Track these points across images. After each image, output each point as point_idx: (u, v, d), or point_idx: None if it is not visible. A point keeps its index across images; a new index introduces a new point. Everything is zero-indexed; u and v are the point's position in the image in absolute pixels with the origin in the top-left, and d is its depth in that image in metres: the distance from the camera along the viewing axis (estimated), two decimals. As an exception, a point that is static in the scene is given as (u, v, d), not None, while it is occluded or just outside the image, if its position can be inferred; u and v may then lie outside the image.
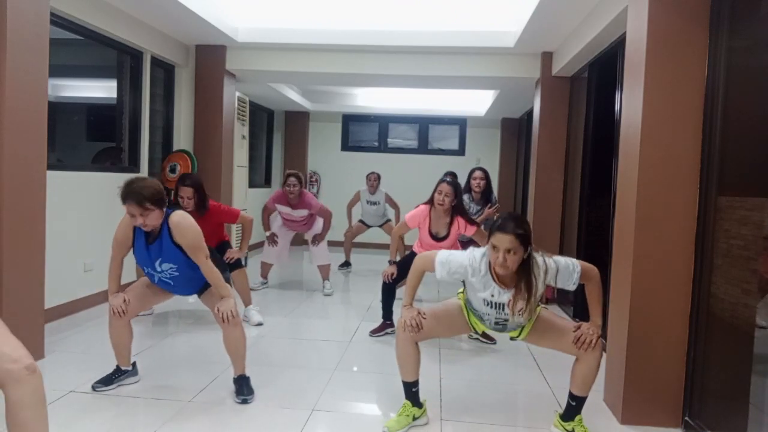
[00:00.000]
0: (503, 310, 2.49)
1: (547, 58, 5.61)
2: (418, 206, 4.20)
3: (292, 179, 5.36)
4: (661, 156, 2.72)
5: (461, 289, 2.71)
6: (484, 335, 4.20)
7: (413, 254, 4.21)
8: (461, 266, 2.49)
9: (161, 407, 2.76)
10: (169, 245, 2.77)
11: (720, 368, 2.60)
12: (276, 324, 4.48)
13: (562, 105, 5.62)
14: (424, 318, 2.57)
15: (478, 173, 5.21)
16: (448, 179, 4.09)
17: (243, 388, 2.90)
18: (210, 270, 2.80)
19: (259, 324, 4.35)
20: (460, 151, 9.76)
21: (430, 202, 4.05)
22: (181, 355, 3.52)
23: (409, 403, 2.67)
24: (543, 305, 2.67)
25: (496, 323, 2.58)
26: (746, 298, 2.39)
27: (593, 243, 4.75)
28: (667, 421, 2.77)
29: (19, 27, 3.02)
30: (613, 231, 3.16)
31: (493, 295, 2.46)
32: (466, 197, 5.12)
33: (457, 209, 4.04)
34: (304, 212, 5.53)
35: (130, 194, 2.62)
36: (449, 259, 2.52)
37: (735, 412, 2.44)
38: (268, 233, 5.67)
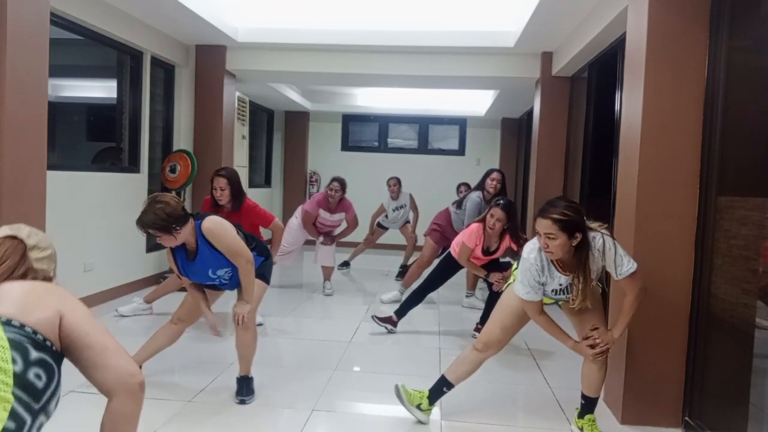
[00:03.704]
0: (570, 292, 2.49)
1: (547, 58, 5.61)
2: (469, 225, 4.19)
3: (336, 184, 5.40)
4: (661, 156, 2.72)
5: (511, 280, 2.72)
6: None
7: (449, 258, 4.31)
8: (533, 276, 2.44)
9: (161, 407, 2.76)
10: (212, 253, 2.71)
11: (720, 368, 2.60)
12: (276, 324, 4.48)
13: (562, 105, 5.62)
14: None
15: (496, 175, 5.01)
16: (501, 202, 4.01)
17: (243, 388, 2.91)
18: (248, 275, 2.78)
19: (259, 324, 4.34)
20: (460, 151, 9.76)
21: (482, 220, 4.04)
22: (181, 355, 3.52)
23: (426, 393, 2.72)
24: (600, 284, 2.64)
25: (557, 301, 2.63)
26: (746, 298, 2.39)
27: (593, 243, 4.74)
28: (667, 421, 2.77)
29: (19, 27, 3.02)
30: (613, 231, 3.16)
31: (561, 284, 2.47)
32: (477, 195, 5.00)
33: (507, 230, 4.04)
34: (341, 215, 5.59)
35: (137, 222, 2.57)
36: (525, 284, 2.47)
37: (735, 412, 2.44)
38: (320, 239, 5.63)
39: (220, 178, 4.03)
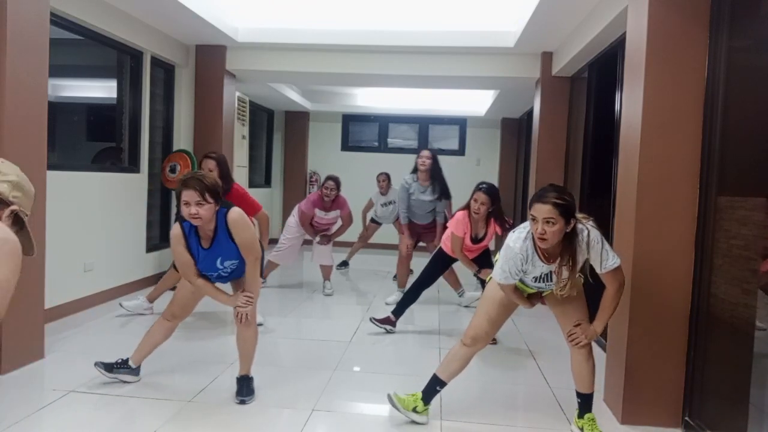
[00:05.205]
0: (550, 280, 2.50)
1: (547, 58, 5.61)
2: (454, 214, 4.18)
3: (331, 182, 5.44)
4: (661, 156, 2.72)
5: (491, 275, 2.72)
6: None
7: (440, 253, 4.33)
8: (515, 264, 2.44)
9: (161, 407, 2.76)
10: (229, 242, 2.76)
11: (720, 368, 2.60)
12: (276, 324, 4.48)
13: (562, 105, 5.62)
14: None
15: (424, 152, 5.15)
16: (484, 186, 4.02)
17: (243, 388, 2.91)
18: (254, 271, 2.84)
19: (260, 324, 4.34)
20: (460, 151, 9.76)
21: (467, 207, 4.05)
22: (181, 355, 3.52)
23: (419, 394, 2.72)
24: (581, 275, 2.61)
25: (539, 289, 2.63)
26: (746, 298, 2.39)
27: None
28: (667, 421, 2.77)
29: (19, 27, 3.02)
30: (613, 231, 3.16)
31: (543, 272, 2.48)
32: (405, 178, 5.21)
33: (492, 213, 4.04)
34: (336, 212, 5.62)
35: (193, 180, 2.60)
36: (506, 270, 2.48)
37: (735, 412, 2.44)
38: (317, 239, 5.64)
39: (209, 160, 4.10)
